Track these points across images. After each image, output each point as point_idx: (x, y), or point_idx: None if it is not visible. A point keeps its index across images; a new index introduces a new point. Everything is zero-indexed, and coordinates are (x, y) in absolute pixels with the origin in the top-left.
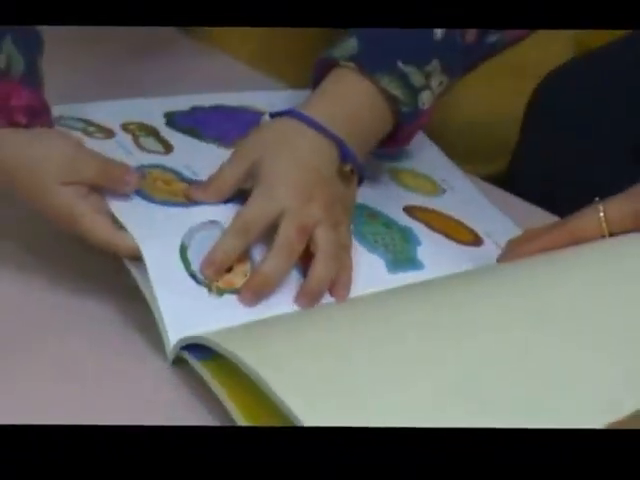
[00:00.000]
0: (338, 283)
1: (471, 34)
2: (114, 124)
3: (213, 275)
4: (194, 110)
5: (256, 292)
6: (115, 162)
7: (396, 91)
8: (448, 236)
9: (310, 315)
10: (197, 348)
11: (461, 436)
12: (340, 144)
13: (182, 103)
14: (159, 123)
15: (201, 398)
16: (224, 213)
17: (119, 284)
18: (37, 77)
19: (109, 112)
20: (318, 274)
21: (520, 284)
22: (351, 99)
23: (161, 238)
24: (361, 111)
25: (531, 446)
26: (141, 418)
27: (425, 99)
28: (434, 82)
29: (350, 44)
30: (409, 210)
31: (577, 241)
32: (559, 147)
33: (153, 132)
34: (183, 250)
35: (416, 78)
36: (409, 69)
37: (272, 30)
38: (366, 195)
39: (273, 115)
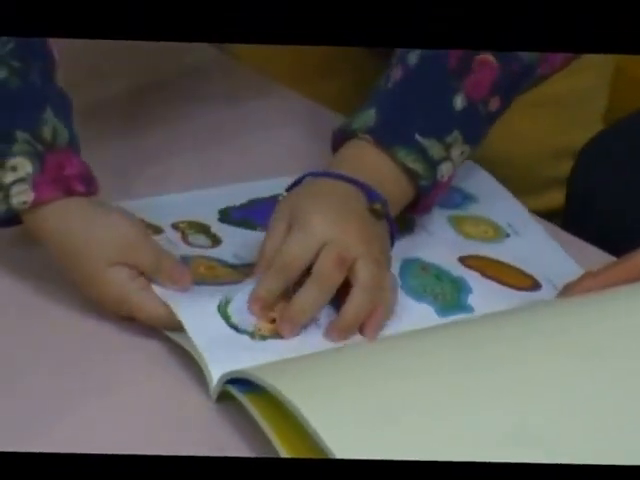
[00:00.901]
0: (370, 321)
1: (495, 101)
2: (164, 223)
3: (260, 311)
4: (251, 202)
5: (292, 322)
6: (171, 257)
7: (413, 165)
8: (502, 282)
9: (352, 349)
10: (240, 381)
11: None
12: (364, 187)
13: (239, 196)
14: (212, 219)
15: (245, 432)
16: None
17: None
18: (78, 143)
19: (162, 210)
20: (353, 308)
21: (573, 319)
22: (369, 170)
23: (197, 298)
24: (380, 182)
25: None
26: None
27: (445, 171)
28: (455, 153)
29: (368, 116)
30: (464, 260)
31: (638, 277)
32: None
33: (204, 229)
34: (222, 305)
35: (435, 151)
36: (428, 142)
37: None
38: (420, 247)
39: (290, 187)
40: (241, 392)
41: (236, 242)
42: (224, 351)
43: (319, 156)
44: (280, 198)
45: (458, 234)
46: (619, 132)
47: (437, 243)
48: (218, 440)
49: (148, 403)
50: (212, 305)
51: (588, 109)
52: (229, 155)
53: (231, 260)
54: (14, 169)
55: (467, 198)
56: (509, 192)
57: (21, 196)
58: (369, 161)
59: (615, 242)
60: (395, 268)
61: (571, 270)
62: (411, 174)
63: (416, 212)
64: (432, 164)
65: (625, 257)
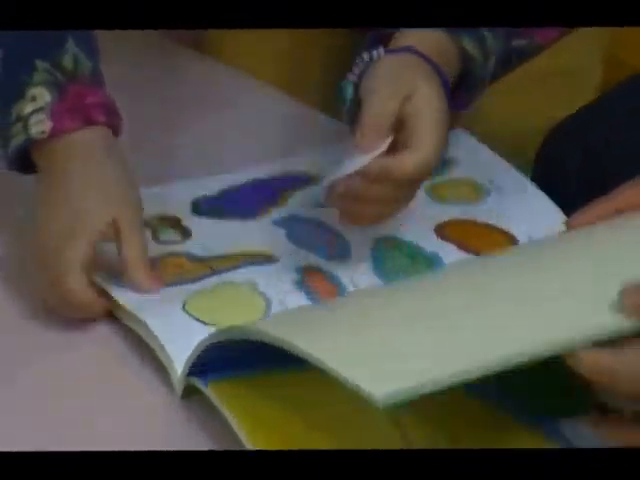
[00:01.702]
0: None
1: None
2: None
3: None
4: (221, 194)
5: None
6: (148, 259)
7: (474, 51)
8: (480, 254)
9: (339, 302)
10: (203, 373)
11: None
12: (445, 82)
13: (211, 187)
14: (184, 211)
15: (212, 431)
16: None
17: None
18: (102, 77)
19: None
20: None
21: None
22: (430, 49)
23: (161, 302)
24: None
25: None
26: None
27: (490, 67)
28: (491, 60)
29: None
30: (441, 228)
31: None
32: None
33: (174, 222)
34: (186, 305)
35: (490, 42)
36: (486, 33)
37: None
38: (394, 222)
39: (390, 51)
40: (204, 383)
41: (205, 233)
42: (186, 340)
43: (286, 143)
44: (376, 57)
45: (434, 201)
46: (594, 110)
47: (411, 214)
48: (185, 439)
49: (114, 402)
50: (177, 300)
51: (577, 87)
52: (199, 142)
53: (200, 253)
54: (34, 99)
55: (446, 163)
56: (487, 147)
57: (39, 125)
58: (429, 40)
59: None
60: (367, 249)
61: (555, 220)
62: (468, 60)
63: (455, 104)
64: (487, 54)
65: (612, 193)
